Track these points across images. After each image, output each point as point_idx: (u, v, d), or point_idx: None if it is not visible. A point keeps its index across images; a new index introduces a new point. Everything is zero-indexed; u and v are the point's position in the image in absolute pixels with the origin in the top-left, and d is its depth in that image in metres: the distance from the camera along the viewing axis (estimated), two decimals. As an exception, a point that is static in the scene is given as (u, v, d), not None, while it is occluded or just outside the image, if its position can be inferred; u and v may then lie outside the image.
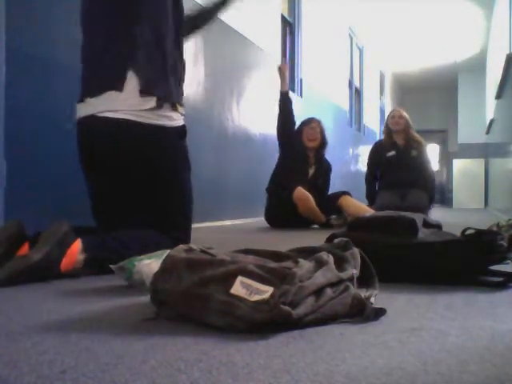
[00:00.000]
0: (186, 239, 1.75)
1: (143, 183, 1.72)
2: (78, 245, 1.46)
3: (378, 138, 11.91)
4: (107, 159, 1.71)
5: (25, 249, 1.43)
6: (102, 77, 1.70)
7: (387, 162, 4.77)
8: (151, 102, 1.67)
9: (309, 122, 4.23)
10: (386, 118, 5.01)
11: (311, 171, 4.23)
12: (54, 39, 2.59)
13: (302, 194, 3.92)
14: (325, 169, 4.31)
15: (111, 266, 1.32)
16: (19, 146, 2.40)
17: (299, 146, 4.15)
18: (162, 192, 1.75)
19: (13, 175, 2.33)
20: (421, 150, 4.79)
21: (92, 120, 1.69)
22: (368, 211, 3.94)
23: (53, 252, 1.39)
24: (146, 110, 1.67)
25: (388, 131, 4.86)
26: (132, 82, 1.67)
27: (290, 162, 4.15)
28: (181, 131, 1.80)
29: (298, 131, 4.18)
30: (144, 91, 1.67)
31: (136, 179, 1.72)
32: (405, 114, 4.82)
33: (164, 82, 1.73)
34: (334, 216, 4.00)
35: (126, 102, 1.66)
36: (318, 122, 4.22)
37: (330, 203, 4.02)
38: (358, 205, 4.04)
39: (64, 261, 1.42)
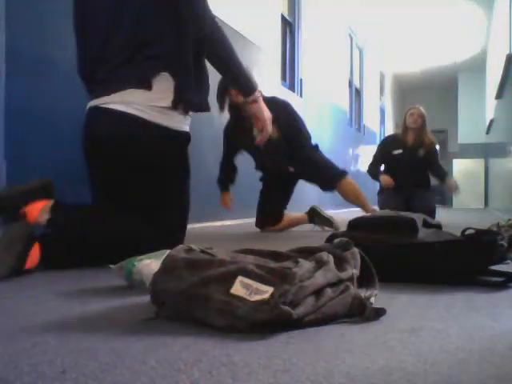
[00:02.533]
0: (176, 239, 1.68)
1: (134, 179, 1.70)
2: (40, 206, 1.60)
3: (377, 138, 11.92)
4: (107, 151, 1.68)
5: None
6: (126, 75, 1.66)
7: (393, 160, 4.69)
8: (166, 100, 1.66)
9: None
10: (404, 114, 4.74)
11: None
12: (54, 39, 2.59)
13: None
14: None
15: (111, 266, 1.32)
16: (19, 145, 2.40)
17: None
18: (153, 191, 1.71)
19: (13, 175, 2.33)
20: (429, 149, 4.67)
21: (98, 111, 1.67)
22: (365, 204, 3.68)
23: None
24: (158, 107, 1.66)
25: (405, 128, 4.70)
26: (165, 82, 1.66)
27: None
28: (186, 137, 1.78)
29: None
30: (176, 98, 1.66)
31: (130, 175, 1.69)
32: (424, 112, 4.66)
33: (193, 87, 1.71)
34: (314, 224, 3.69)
35: (142, 96, 1.63)
36: None
37: (326, 181, 3.63)
38: (357, 193, 3.63)
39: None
